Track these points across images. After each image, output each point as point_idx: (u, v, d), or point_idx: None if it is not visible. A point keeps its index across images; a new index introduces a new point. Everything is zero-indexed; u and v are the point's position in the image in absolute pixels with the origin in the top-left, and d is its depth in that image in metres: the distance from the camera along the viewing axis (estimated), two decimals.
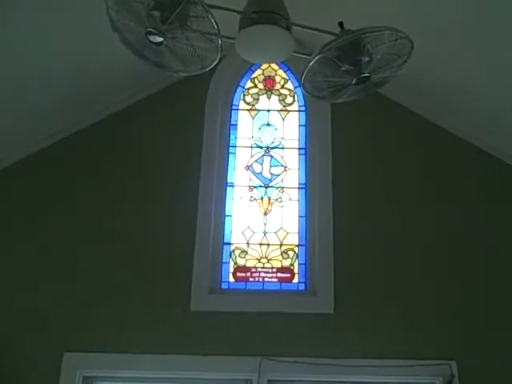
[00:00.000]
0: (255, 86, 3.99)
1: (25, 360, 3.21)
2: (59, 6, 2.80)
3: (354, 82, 2.13)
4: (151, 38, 1.92)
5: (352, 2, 3.17)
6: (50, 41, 3.00)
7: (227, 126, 3.85)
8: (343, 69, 2.08)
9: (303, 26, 2.14)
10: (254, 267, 3.54)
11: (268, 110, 3.94)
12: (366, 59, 2.05)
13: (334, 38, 2.06)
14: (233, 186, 3.73)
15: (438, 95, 3.61)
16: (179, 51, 2.01)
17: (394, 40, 1.99)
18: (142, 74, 3.60)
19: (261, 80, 4.01)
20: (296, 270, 3.53)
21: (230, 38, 2.09)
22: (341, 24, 2.15)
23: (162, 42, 1.94)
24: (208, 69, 2.12)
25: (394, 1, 3.09)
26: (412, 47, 2.04)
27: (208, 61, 2.07)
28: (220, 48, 1.98)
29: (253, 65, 3.92)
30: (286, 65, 3.97)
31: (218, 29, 1.91)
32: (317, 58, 2.05)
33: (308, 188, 3.70)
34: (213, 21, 1.88)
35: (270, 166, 3.80)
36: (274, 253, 3.58)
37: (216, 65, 3.70)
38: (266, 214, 3.67)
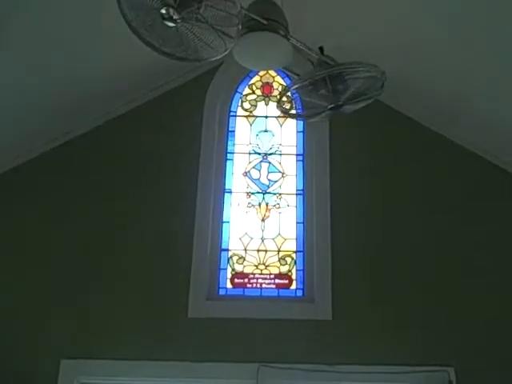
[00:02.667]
0: (253, 93, 4.00)
1: (22, 367, 3.20)
2: (59, 9, 2.80)
3: (329, 107, 2.26)
4: (166, 14, 1.85)
5: (352, 3, 3.19)
6: (50, 47, 3.00)
7: (225, 133, 3.85)
8: (321, 93, 2.20)
9: (288, 37, 2.17)
10: (252, 273, 3.54)
11: (266, 117, 3.95)
12: (343, 88, 2.18)
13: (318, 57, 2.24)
14: (230, 192, 3.73)
15: (437, 102, 3.61)
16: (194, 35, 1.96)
17: (369, 75, 2.14)
18: (139, 80, 3.63)
19: (258, 86, 4.02)
20: (294, 277, 3.53)
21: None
22: (321, 49, 2.27)
23: (175, 24, 1.88)
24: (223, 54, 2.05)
25: (393, 6, 3.11)
26: (383, 85, 2.20)
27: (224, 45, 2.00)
28: (239, 25, 1.95)
29: (250, 71, 3.92)
30: (283, 71, 3.97)
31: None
32: (296, 86, 2.20)
33: (306, 194, 3.70)
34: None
35: (268, 173, 3.80)
36: (272, 259, 3.58)
37: (214, 71, 3.72)
38: (263, 220, 3.68)
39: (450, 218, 3.57)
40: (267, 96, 4.00)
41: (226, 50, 2.01)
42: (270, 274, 3.54)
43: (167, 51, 2.00)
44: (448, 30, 3.04)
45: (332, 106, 2.24)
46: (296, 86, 2.21)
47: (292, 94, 2.31)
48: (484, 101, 3.40)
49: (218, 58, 2.05)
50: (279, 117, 3.93)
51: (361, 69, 2.11)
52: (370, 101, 2.30)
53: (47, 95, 3.33)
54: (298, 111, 2.39)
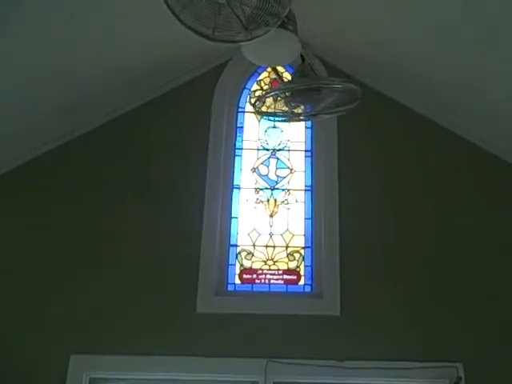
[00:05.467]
0: (261, 89, 3.99)
1: (32, 362, 3.21)
2: (60, 7, 2.81)
3: (302, 117, 2.52)
4: None
5: (352, 1, 3.18)
6: (50, 45, 3.00)
7: (233, 129, 3.86)
8: (297, 100, 2.38)
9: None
10: (260, 269, 3.54)
11: (274, 113, 3.93)
12: (318, 99, 2.34)
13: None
14: (239, 188, 3.73)
15: (445, 96, 3.60)
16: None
17: (345, 89, 2.27)
18: (147, 76, 3.63)
19: (267, 82, 4.02)
20: (302, 272, 3.54)
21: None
22: (302, 57, 2.41)
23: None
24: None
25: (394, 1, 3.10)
26: (358, 99, 2.33)
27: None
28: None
29: (259, 67, 3.92)
30: (292, 67, 3.97)
31: None
32: (273, 93, 2.36)
33: (314, 190, 3.70)
34: None
35: (276, 168, 3.80)
36: (280, 255, 3.58)
37: (222, 67, 3.72)
38: (272, 216, 3.68)
39: (461, 212, 3.56)
40: None
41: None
42: (279, 270, 3.54)
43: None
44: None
45: (306, 116, 2.45)
46: (273, 94, 2.34)
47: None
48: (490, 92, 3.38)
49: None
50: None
51: (337, 85, 2.25)
52: (343, 113, 2.45)
53: (48, 94, 3.34)
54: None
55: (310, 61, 2.47)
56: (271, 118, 2.71)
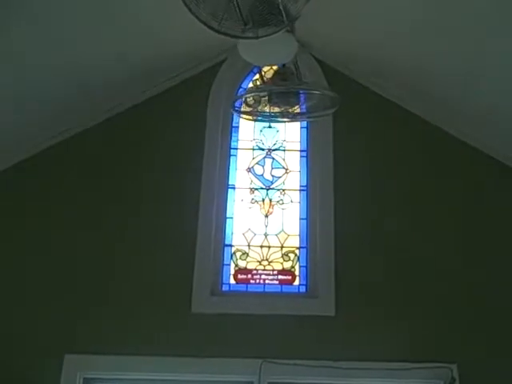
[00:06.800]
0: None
1: (25, 362, 3.20)
2: (59, 5, 2.80)
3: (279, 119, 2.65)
4: None
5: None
6: (51, 41, 3.00)
7: (229, 128, 3.85)
8: (274, 101, 2.49)
9: None
10: (255, 269, 3.54)
11: (269, 112, 3.93)
12: (295, 101, 2.47)
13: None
14: (234, 188, 3.73)
15: (439, 96, 3.60)
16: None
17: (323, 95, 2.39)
18: (143, 76, 3.62)
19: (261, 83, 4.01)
20: (297, 273, 3.54)
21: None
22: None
23: None
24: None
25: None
26: (335, 105, 2.45)
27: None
28: None
29: (254, 67, 3.91)
30: (296, 65, 3.96)
31: None
32: (252, 94, 2.50)
33: (309, 190, 3.70)
34: None
35: (272, 168, 3.80)
36: (275, 255, 3.58)
37: (218, 67, 3.71)
38: (267, 216, 3.67)
39: (455, 213, 3.56)
40: None
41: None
42: (273, 270, 3.54)
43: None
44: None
45: (283, 118, 2.56)
46: (251, 95, 2.48)
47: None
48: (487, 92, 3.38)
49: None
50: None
51: (315, 91, 2.36)
52: (318, 118, 2.60)
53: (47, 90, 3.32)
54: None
55: (296, 64, 2.51)
56: (250, 118, 2.85)
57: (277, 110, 2.51)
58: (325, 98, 2.39)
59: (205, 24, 1.89)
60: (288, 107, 2.49)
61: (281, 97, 2.45)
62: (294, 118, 2.59)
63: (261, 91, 2.43)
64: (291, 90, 2.39)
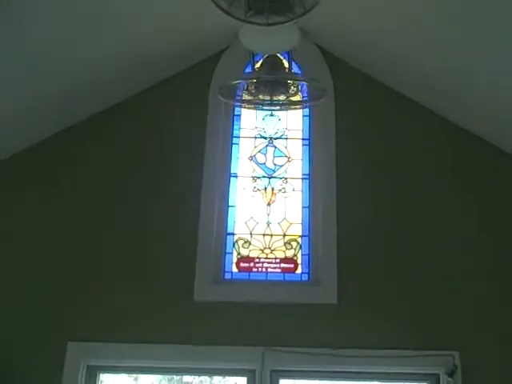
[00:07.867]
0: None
1: (28, 350, 3.22)
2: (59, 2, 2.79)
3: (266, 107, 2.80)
4: None
5: None
6: (50, 31, 2.98)
7: (231, 117, 3.84)
8: (261, 89, 2.60)
9: None
10: (258, 258, 3.55)
11: (271, 101, 3.91)
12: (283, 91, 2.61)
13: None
14: (236, 176, 3.72)
15: (441, 85, 3.57)
16: None
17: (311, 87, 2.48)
18: (144, 65, 3.60)
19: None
20: (299, 261, 3.54)
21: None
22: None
23: None
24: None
25: None
26: (323, 96, 2.53)
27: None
28: None
29: (256, 55, 3.89)
30: (289, 55, 3.94)
31: None
32: (239, 81, 2.62)
33: (311, 178, 3.69)
34: None
35: (274, 157, 3.79)
36: (278, 243, 3.58)
37: (220, 55, 3.69)
38: (269, 204, 3.67)
39: (458, 199, 3.55)
40: None
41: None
42: (276, 259, 3.55)
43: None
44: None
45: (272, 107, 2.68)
46: (238, 82, 2.57)
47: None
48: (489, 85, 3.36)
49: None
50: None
51: (303, 82, 2.47)
52: (304, 108, 2.74)
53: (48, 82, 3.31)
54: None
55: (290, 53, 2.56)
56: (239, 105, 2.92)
57: (281, 97, 2.53)
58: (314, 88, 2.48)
59: (217, 5, 1.88)
60: (274, 95, 2.57)
61: (269, 85, 2.53)
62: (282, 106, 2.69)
63: (248, 79, 2.45)
64: (279, 80, 2.43)
